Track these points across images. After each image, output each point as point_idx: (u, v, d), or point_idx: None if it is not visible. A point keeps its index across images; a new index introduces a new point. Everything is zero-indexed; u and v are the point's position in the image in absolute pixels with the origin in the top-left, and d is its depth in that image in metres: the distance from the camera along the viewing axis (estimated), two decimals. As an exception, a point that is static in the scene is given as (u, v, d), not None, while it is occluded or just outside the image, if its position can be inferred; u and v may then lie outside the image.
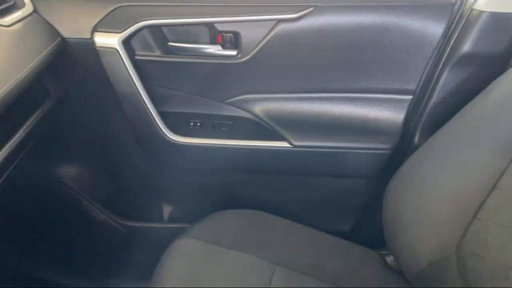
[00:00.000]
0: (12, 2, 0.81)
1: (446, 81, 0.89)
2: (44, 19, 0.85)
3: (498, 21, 0.82)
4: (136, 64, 0.90)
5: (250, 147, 0.96)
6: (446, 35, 0.89)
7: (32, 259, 1.10)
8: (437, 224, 0.72)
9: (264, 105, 0.97)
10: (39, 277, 1.11)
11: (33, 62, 0.74)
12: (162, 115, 0.97)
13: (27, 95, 0.73)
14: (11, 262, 1.08)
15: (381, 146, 0.96)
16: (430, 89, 0.92)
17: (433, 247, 0.72)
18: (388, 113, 0.95)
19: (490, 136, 0.69)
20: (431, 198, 0.74)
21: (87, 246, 1.15)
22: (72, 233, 1.13)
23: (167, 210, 1.12)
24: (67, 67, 0.90)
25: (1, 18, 0.73)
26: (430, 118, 0.93)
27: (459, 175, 0.71)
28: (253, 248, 0.86)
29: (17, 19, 0.77)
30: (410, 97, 0.94)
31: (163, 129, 0.95)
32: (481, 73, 0.86)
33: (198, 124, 0.98)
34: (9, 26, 0.73)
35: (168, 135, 0.95)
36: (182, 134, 0.97)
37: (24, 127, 0.81)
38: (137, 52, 0.91)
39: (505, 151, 0.66)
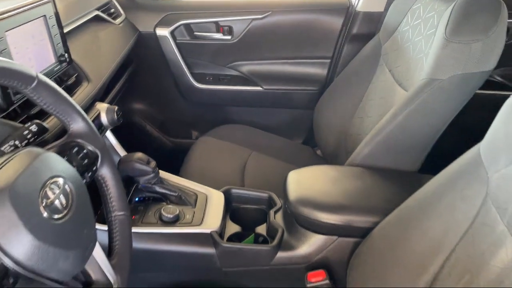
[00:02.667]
0: (113, 10, 1.51)
1: (346, 50, 1.56)
2: (130, 21, 1.56)
3: (368, 15, 1.48)
4: (178, 45, 1.60)
5: (239, 89, 1.66)
6: (345, 24, 1.54)
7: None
8: None
9: (247, 67, 1.66)
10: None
11: (129, 43, 1.45)
12: (191, 73, 1.67)
13: (124, 61, 1.44)
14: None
15: (312, 88, 1.63)
16: (338, 55, 1.58)
17: None
18: (316, 69, 1.62)
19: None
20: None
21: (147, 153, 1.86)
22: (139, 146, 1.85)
23: (194, 130, 1.82)
24: (141, 47, 1.60)
25: (114, 20, 1.44)
26: (339, 71, 1.58)
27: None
28: (240, 142, 1.54)
29: (120, 21, 1.48)
30: (328, 60, 1.61)
31: (192, 80, 1.66)
32: (364, 44, 1.51)
33: (211, 78, 1.68)
34: (118, 24, 1.45)
35: (195, 83, 1.66)
36: (202, 83, 1.67)
37: (121, 80, 1.52)
38: (178, 38, 1.61)
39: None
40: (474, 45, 0.92)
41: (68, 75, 1.00)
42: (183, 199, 1.00)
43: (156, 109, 1.80)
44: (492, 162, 0.68)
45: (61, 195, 0.53)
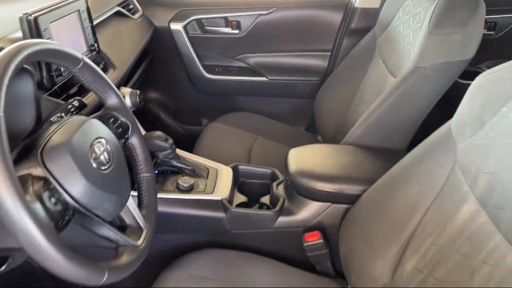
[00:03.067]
0: (132, 6, 1.64)
1: (345, 43, 1.67)
2: (146, 16, 1.69)
3: (365, 11, 1.60)
4: (190, 38, 1.73)
5: (246, 80, 1.78)
6: (344, 20, 1.66)
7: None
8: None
9: (253, 59, 1.79)
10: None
11: (146, 37, 1.58)
12: (202, 64, 1.80)
13: (141, 53, 1.57)
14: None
15: (314, 79, 1.76)
16: (337, 48, 1.70)
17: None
18: (317, 61, 1.74)
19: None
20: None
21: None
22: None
23: (204, 118, 1.95)
24: (157, 41, 1.73)
25: (133, 15, 1.57)
26: (338, 62, 1.70)
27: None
28: (247, 128, 1.66)
29: (138, 16, 1.61)
30: (329, 53, 1.73)
31: (203, 71, 1.79)
32: (361, 38, 1.62)
33: (220, 69, 1.81)
34: (136, 19, 1.58)
35: (205, 74, 1.79)
36: (212, 74, 1.80)
37: (139, 71, 1.65)
38: (190, 32, 1.74)
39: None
40: (453, 37, 1.04)
41: (97, 62, 1.13)
42: (196, 172, 1.13)
43: (170, 98, 1.93)
44: (459, 134, 0.81)
45: (105, 152, 0.66)
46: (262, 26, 1.70)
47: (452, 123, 0.84)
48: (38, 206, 0.53)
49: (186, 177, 1.09)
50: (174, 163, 1.12)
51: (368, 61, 1.44)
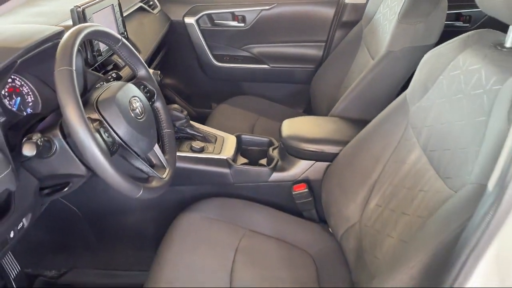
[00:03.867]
0: (152, 2, 1.87)
1: (337, 34, 1.89)
2: (164, 11, 1.93)
3: (354, 6, 1.81)
4: (201, 31, 1.96)
5: (250, 67, 2.01)
6: (336, 14, 1.87)
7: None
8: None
9: (257, 49, 2.01)
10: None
11: (164, 28, 1.82)
12: (212, 54, 2.03)
13: (159, 43, 1.80)
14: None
15: (310, 66, 1.97)
16: (331, 39, 1.91)
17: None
18: (313, 50, 1.96)
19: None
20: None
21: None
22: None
23: (213, 102, 2.18)
24: (172, 33, 1.96)
25: (153, 10, 1.80)
26: (331, 51, 1.91)
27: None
28: (250, 109, 1.89)
29: (157, 11, 1.84)
30: (323, 43, 1.94)
31: (212, 60, 2.02)
32: (351, 30, 1.83)
33: (228, 58, 2.03)
34: (155, 14, 1.81)
35: (215, 62, 2.02)
36: (221, 62, 2.03)
37: (157, 59, 1.88)
38: (201, 25, 1.97)
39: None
40: (418, 25, 1.25)
41: (125, 47, 1.37)
42: (206, 138, 1.36)
43: (183, 84, 2.17)
44: (411, 100, 1.02)
45: (139, 107, 0.89)
46: (264, 20, 1.92)
47: (407, 91, 1.06)
48: (98, 137, 0.76)
49: (198, 141, 1.32)
50: (188, 130, 1.35)
51: (356, 49, 1.66)
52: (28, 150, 0.73)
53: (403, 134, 1.03)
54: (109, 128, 0.81)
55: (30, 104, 0.99)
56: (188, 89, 2.18)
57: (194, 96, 2.20)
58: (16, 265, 1.29)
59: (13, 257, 1.28)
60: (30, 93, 0.99)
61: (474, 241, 0.56)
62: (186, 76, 2.15)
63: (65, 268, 1.38)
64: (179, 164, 1.24)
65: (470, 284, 0.57)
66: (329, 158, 1.22)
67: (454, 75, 0.89)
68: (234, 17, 1.95)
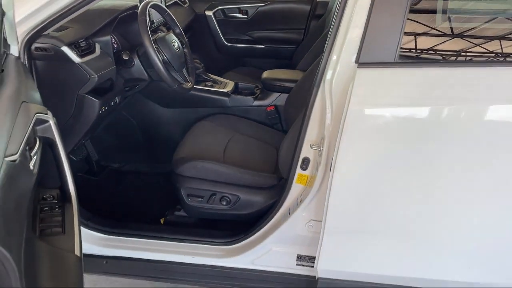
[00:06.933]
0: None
1: (312, 23, 2.58)
2: (191, 6, 2.68)
3: (322, 3, 2.51)
4: (217, 21, 2.70)
5: (251, 47, 2.73)
6: (311, 9, 2.58)
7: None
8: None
9: (256, 34, 2.73)
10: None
11: (190, 18, 2.56)
12: (224, 38, 2.76)
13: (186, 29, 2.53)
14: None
15: (293, 46, 2.67)
16: (307, 26, 2.61)
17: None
18: (295, 35, 2.66)
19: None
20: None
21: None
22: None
23: (225, 72, 2.91)
24: (196, 22, 2.70)
25: (183, 5, 2.55)
26: (307, 35, 2.60)
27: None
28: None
29: (186, 5, 2.60)
30: (303, 30, 2.64)
31: (224, 41, 2.75)
32: (319, 19, 2.52)
33: (235, 40, 2.75)
34: (185, 7, 2.56)
35: (226, 43, 2.75)
36: (231, 43, 2.76)
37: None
38: (217, 17, 2.71)
39: None
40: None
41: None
42: (215, 81, 2.08)
43: (202, 58, 2.89)
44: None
45: (176, 45, 1.63)
46: (261, 13, 2.65)
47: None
48: (158, 54, 1.49)
49: (209, 82, 2.05)
50: (204, 76, 2.08)
51: (321, 32, 2.36)
52: (124, 57, 1.47)
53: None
54: (161, 51, 1.54)
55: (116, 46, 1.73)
56: (205, 62, 2.92)
57: (210, 67, 2.93)
58: (96, 156, 2.03)
59: (94, 150, 2.02)
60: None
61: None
62: (205, 52, 2.88)
63: (124, 162, 2.11)
64: (197, 93, 1.96)
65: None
66: (289, 90, 1.92)
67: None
68: (240, 11, 2.68)
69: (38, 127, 0.91)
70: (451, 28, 1.22)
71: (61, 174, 0.96)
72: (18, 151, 0.69)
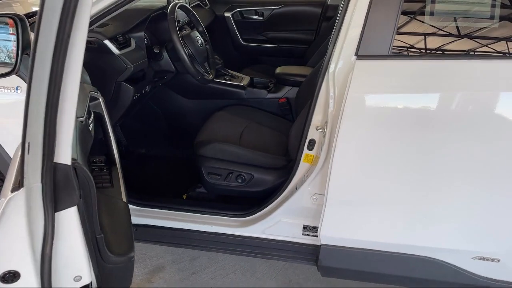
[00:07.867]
0: (204, 1, 2.83)
1: (323, 24, 2.76)
2: (211, 8, 2.89)
3: (333, 6, 2.69)
4: (235, 22, 2.90)
5: (265, 46, 2.92)
6: (323, 11, 2.76)
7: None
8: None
9: (270, 34, 2.92)
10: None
11: (211, 19, 2.77)
12: (242, 37, 2.95)
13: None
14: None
15: (305, 46, 2.85)
16: (319, 27, 2.79)
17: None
18: (307, 36, 2.84)
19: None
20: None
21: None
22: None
23: (243, 67, 3.11)
24: (215, 23, 2.90)
25: (205, 7, 2.76)
26: (318, 35, 2.78)
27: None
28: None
29: (207, 7, 2.80)
30: (314, 30, 2.82)
31: (242, 41, 2.94)
32: (330, 20, 2.69)
33: (251, 39, 2.95)
34: (206, 9, 2.77)
35: (243, 43, 2.94)
36: (247, 43, 2.95)
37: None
38: (235, 18, 2.91)
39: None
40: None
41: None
42: (232, 76, 2.28)
43: (221, 56, 3.10)
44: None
45: (200, 40, 1.83)
46: (276, 15, 2.83)
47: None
48: (184, 49, 1.69)
49: (227, 76, 2.24)
50: (223, 71, 2.27)
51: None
52: (156, 50, 1.68)
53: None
54: (187, 46, 1.74)
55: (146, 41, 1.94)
56: (224, 60, 3.12)
57: (228, 64, 3.13)
58: (125, 142, 2.25)
59: (124, 137, 2.24)
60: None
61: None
62: (223, 51, 3.08)
63: (150, 147, 2.33)
64: (216, 86, 2.16)
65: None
66: (299, 84, 2.09)
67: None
68: (256, 13, 2.88)
69: (90, 103, 1.12)
70: (437, 27, 1.39)
71: (107, 143, 1.16)
72: (84, 115, 0.90)
